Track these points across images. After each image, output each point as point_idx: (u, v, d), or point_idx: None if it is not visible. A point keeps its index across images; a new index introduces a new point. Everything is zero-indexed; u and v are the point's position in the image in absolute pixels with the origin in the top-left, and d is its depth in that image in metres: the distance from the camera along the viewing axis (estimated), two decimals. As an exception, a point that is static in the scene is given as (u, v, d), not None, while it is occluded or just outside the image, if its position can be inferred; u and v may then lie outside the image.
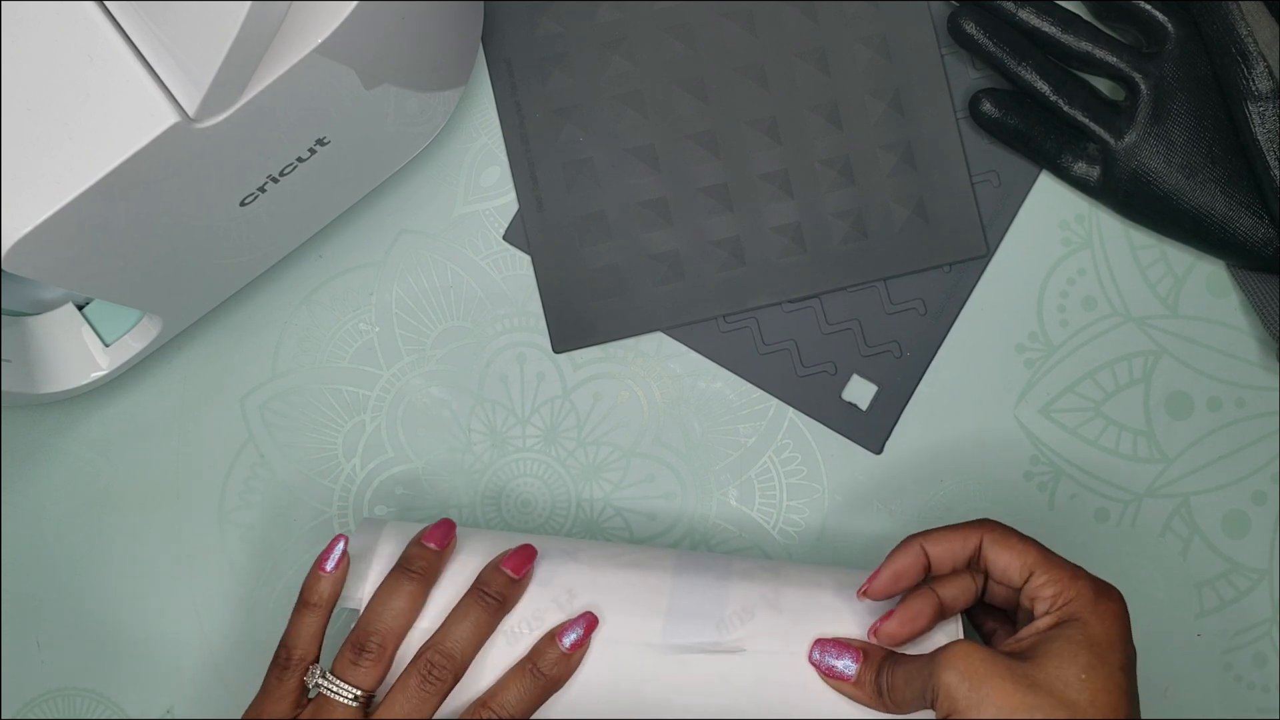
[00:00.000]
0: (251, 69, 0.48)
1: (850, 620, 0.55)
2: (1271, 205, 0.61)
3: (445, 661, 0.54)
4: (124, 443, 0.66)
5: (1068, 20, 0.62)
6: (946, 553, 0.55)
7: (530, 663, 0.54)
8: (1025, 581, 0.53)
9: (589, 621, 0.55)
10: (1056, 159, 0.63)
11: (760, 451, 0.65)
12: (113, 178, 0.48)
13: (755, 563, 0.58)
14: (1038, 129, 0.63)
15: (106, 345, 0.62)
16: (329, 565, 0.56)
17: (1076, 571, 0.53)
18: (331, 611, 0.56)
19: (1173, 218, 0.63)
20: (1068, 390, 0.65)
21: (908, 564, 0.55)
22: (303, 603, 0.56)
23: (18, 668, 0.65)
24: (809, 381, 0.65)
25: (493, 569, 0.56)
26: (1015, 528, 0.54)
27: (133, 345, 0.62)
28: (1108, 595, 0.52)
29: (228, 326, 0.66)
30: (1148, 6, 0.62)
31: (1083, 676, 0.50)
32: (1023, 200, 0.65)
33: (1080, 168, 0.63)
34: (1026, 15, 0.62)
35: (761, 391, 0.65)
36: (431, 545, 0.56)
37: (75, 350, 0.62)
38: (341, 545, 0.56)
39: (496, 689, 0.54)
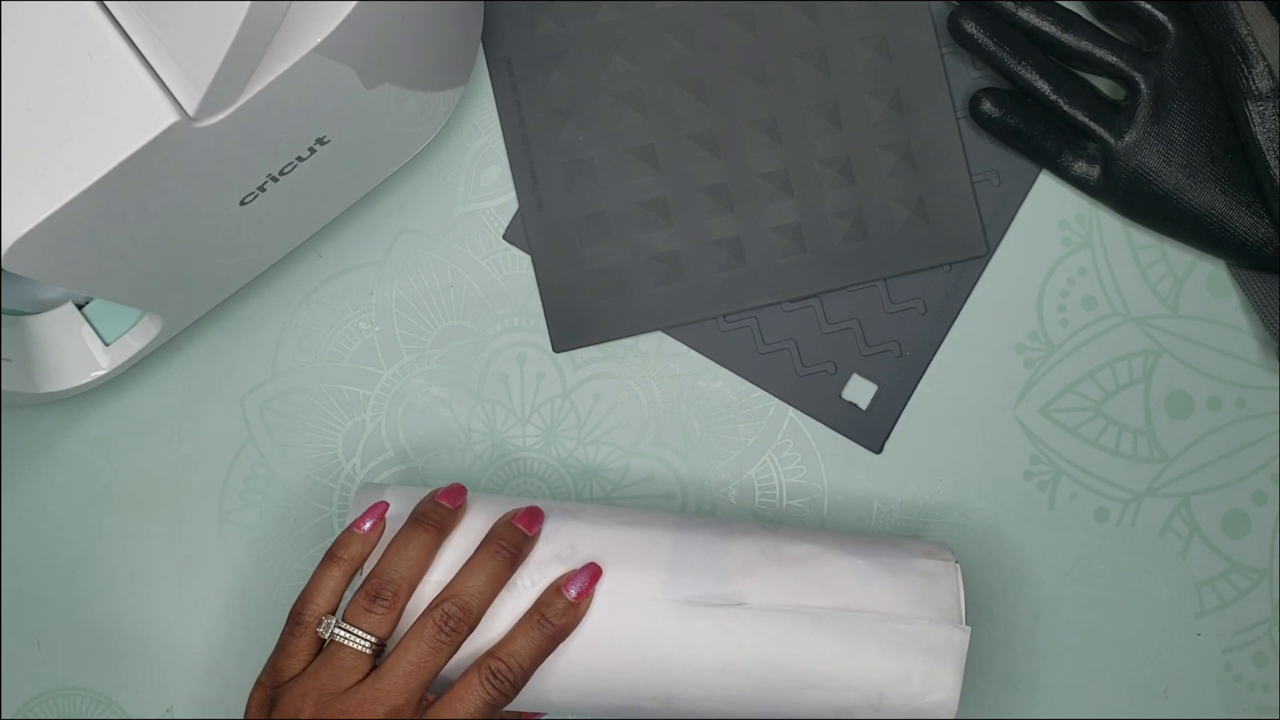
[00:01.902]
0: (251, 68, 0.48)
1: (850, 574, 0.55)
2: (1271, 205, 0.61)
3: (461, 613, 0.54)
4: (124, 442, 0.66)
5: (1068, 20, 0.62)
6: None
7: (537, 613, 0.55)
8: None
9: (593, 571, 0.55)
10: (1056, 158, 0.63)
11: (760, 451, 0.65)
12: (113, 177, 0.48)
13: (756, 523, 0.59)
14: (1038, 128, 0.63)
15: (106, 344, 0.62)
16: (365, 526, 0.56)
17: None
18: (355, 572, 0.56)
19: (1173, 217, 0.63)
20: (1068, 390, 0.65)
21: None
22: (329, 557, 0.56)
23: (18, 668, 0.65)
24: (809, 381, 0.65)
25: (505, 524, 0.56)
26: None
27: (133, 345, 0.62)
28: None
29: (228, 326, 0.66)
30: (1148, 6, 0.62)
31: None
32: (1023, 200, 0.65)
33: (1080, 167, 0.63)
34: (1026, 15, 0.62)
35: (761, 391, 0.65)
36: (445, 503, 0.57)
37: (75, 350, 0.62)
38: (382, 510, 0.57)
39: (505, 640, 0.55)
